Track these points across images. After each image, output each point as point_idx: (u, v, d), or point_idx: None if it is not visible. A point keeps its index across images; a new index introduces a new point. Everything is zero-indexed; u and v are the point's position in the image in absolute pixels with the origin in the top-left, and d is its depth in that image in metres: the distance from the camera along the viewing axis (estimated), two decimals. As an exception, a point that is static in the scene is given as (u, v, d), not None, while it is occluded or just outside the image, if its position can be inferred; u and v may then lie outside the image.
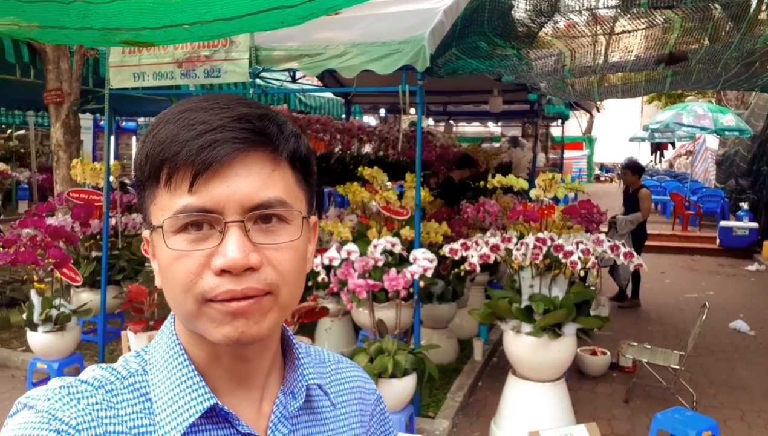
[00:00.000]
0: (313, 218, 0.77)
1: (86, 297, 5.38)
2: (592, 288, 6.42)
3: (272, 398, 0.75)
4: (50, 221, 5.21)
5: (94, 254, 5.56)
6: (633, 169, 7.52)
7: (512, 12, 4.10)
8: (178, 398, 0.67)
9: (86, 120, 12.10)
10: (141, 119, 15.87)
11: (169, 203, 0.65)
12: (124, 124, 16.20)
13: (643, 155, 27.60)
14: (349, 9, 4.78)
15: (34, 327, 4.56)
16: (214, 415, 0.68)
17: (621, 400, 4.75)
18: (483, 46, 4.32)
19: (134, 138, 18.46)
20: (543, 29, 4.00)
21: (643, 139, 17.85)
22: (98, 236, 5.44)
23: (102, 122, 13.24)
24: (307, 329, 5.19)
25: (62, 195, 5.79)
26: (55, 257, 4.55)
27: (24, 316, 4.59)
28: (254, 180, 0.65)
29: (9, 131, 18.12)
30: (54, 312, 4.57)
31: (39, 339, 4.56)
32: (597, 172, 29.10)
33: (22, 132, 17.55)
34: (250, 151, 0.65)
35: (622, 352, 5.02)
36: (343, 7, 3.17)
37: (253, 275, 0.64)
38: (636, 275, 7.28)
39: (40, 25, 3.28)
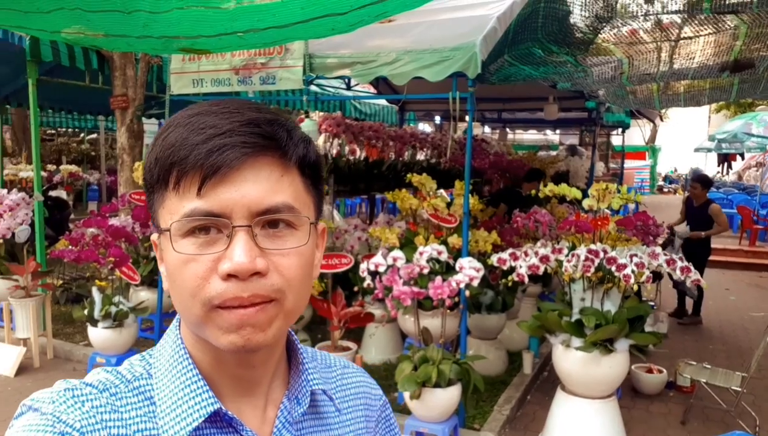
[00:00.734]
0: (321, 224, 0.76)
1: (144, 296, 5.58)
2: (650, 303, 6.22)
3: (277, 403, 0.75)
4: (112, 221, 5.42)
5: (152, 254, 5.76)
6: (704, 182, 7.16)
7: (568, 18, 4.02)
8: (182, 402, 0.67)
9: (151, 125, 12.56)
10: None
11: (178, 207, 0.65)
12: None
13: (710, 166, 26.46)
14: (404, 16, 4.81)
15: (94, 323, 4.75)
16: (218, 420, 0.68)
17: (677, 421, 4.54)
18: (537, 53, 4.25)
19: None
20: (600, 35, 3.89)
21: (709, 150, 17.12)
22: (157, 237, 5.62)
23: (166, 127, 13.70)
24: (355, 333, 5.22)
25: (125, 197, 6.02)
26: (116, 255, 4.74)
27: (86, 312, 4.78)
28: (263, 185, 0.65)
29: (82, 135, 19.06)
30: (113, 309, 4.75)
31: (99, 334, 4.75)
32: (660, 182, 28.08)
33: (93, 136, 18.42)
34: (259, 155, 0.65)
35: (679, 371, 4.80)
36: (394, 13, 3.19)
37: (260, 280, 0.64)
38: (699, 291, 6.95)
39: (105, 33, 3.43)
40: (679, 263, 3.49)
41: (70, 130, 17.79)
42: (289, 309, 0.68)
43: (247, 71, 4.93)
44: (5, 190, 6.29)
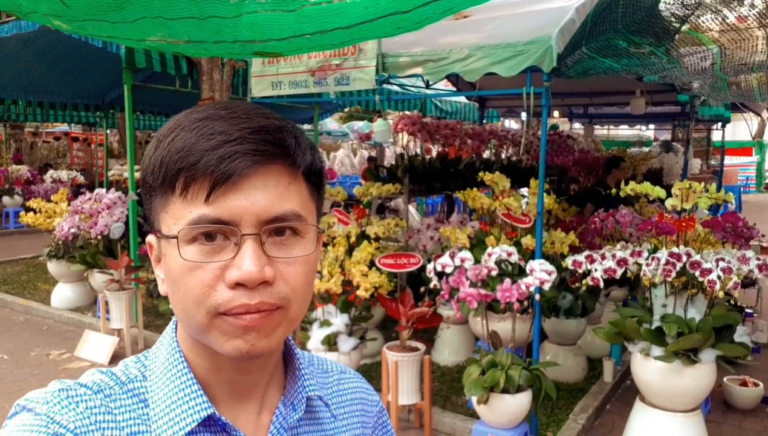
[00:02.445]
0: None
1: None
2: (748, 311, 5.76)
3: (272, 408, 0.74)
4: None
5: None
6: None
7: (656, 6, 3.78)
8: (175, 405, 0.68)
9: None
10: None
11: (183, 213, 0.64)
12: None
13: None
14: (480, 12, 4.72)
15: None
16: (211, 424, 0.68)
17: (775, 440, 4.19)
18: (619, 44, 4.03)
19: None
20: (686, 24, 3.64)
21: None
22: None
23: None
24: (428, 334, 5.18)
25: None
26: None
27: (170, 305, 5.03)
28: (272, 193, 0.65)
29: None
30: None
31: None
32: (768, 180, 25.99)
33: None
34: (269, 163, 0.65)
35: (778, 385, 4.42)
36: (460, 9, 3.12)
37: (267, 288, 0.64)
38: None
39: (188, 39, 3.60)
40: (773, 269, 3.20)
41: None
42: (292, 317, 0.68)
43: (323, 72, 5.01)
44: (104, 190, 6.74)
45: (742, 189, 18.43)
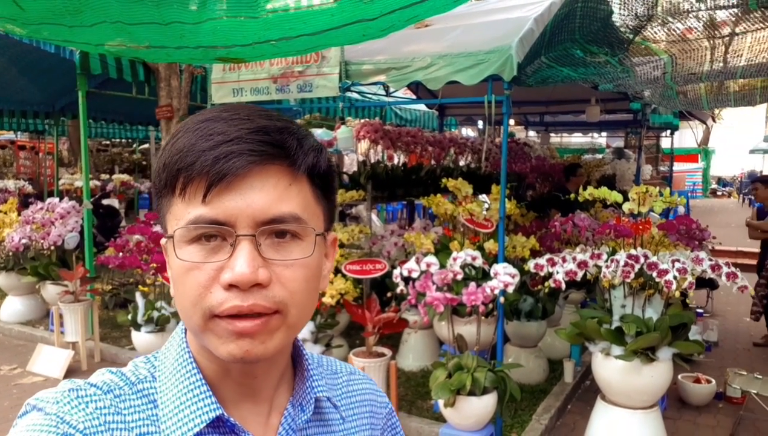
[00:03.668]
0: (332, 234, 0.75)
1: (186, 301, 5.69)
2: (699, 310, 5.99)
3: (281, 410, 0.74)
4: (156, 228, 5.57)
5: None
6: (764, 182, 6.50)
7: (609, 17, 3.92)
8: (184, 406, 0.67)
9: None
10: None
11: (183, 213, 0.64)
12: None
13: (766, 168, 25.38)
14: (440, 21, 4.79)
15: (137, 327, 4.88)
16: (220, 425, 0.68)
17: (726, 434, 4.34)
18: (576, 54, 4.16)
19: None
20: (640, 34, 3.78)
21: (766, 151, 16.42)
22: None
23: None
24: (391, 339, 5.19)
25: (169, 204, 6.17)
26: (158, 261, 4.86)
27: (129, 317, 4.92)
28: (269, 194, 0.64)
29: (134, 145, 19.71)
30: (155, 314, 4.87)
31: (142, 338, 4.87)
32: (713, 185, 27.09)
33: (145, 146, 19.02)
34: (267, 164, 0.64)
35: (729, 381, 4.60)
36: (424, 17, 3.17)
37: (261, 291, 0.63)
38: None
39: (148, 45, 3.54)
40: (725, 269, 3.34)
41: (123, 140, 18.43)
42: (291, 322, 0.66)
43: (285, 79, 4.99)
44: (57, 199, 6.54)
45: (689, 194, 19.15)
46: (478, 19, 4.80)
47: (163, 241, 0.70)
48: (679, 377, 4.75)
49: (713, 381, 4.83)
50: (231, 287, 0.62)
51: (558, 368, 5.22)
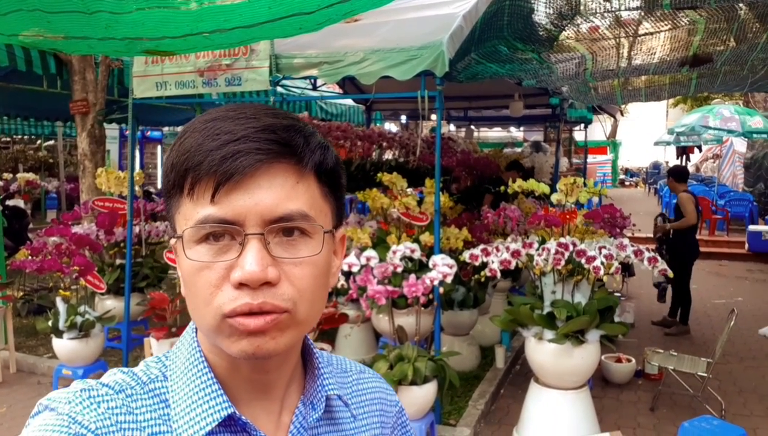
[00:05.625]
0: (341, 231, 0.75)
1: (110, 304, 5.45)
2: (617, 294, 6.34)
3: (292, 408, 0.74)
4: (75, 229, 5.29)
5: (118, 261, 5.64)
6: (676, 174, 6.74)
7: (532, 15, 4.08)
8: (196, 405, 0.67)
9: (113, 130, 12.33)
10: (166, 129, 16.12)
11: (192, 213, 0.64)
12: (149, 133, 16.44)
13: (669, 159, 27.19)
14: (370, 16, 4.81)
15: (59, 334, 4.62)
16: (232, 424, 0.68)
17: (647, 408, 4.66)
18: (503, 51, 4.30)
19: (159, 147, 18.73)
20: (564, 32, 3.96)
21: (668, 143, 17.54)
22: (122, 244, 5.51)
23: (128, 132, 13.46)
24: (328, 335, 5.19)
25: (87, 204, 5.88)
26: (80, 264, 4.62)
27: (50, 323, 4.66)
28: (277, 192, 0.64)
29: (39, 142, 18.55)
30: (79, 319, 4.63)
31: (64, 346, 4.63)
32: (622, 176, 28.72)
33: (51, 142, 17.95)
34: (274, 162, 0.64)
35: (647, 359, 4.92)
36: (361, 11, 3.18)
37: (270, 289, 0.63)
38: (686, 298, 6.52)
39: (65, 35, 3.34)
40: (647, 254, 3.57)
41: (26, 137, 17.31)
42: (301, 320, 0.67)
43: (212, 73, 4.86)
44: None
45: (600, 184, 20.18)
46: (408, 15, 4.85)
47: (172, 241, 0.70)
48: (603, 357, 5.03)
49: (633, 360, 5.14)
50: (241, 285, 0.62)
51: (489, 355, 5.40)
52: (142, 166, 15.55)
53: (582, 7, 3.73)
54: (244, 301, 0.62)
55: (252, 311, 0.63)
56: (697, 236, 6.75)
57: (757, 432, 4.24)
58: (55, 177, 16.07)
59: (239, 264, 0.62)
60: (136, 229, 5.60)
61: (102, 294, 5.35)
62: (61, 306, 4.64)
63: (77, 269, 4.61)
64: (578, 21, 3.94)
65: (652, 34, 4.05)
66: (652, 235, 7.00)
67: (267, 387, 0.72)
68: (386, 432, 0.85)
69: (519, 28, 3.95)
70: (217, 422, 0.66)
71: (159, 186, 18.09)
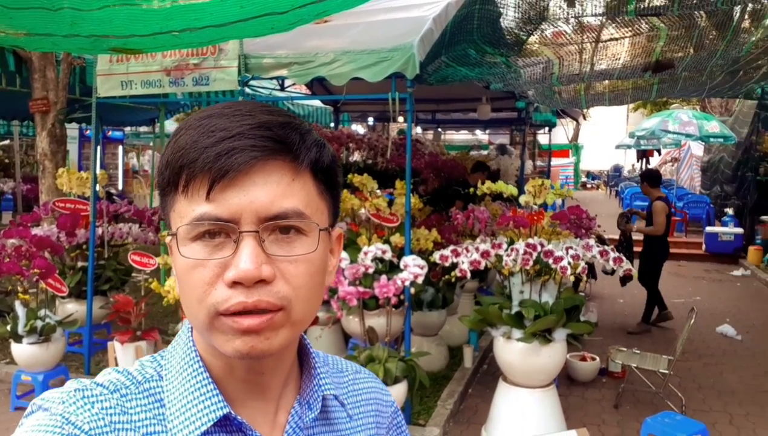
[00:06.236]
0: (338, 230, 0.75)
1: (72, 308, 5.32)
2: (581, 294, 6.47)
3: (288, 408, 0.74)
4: (35, 230, 5.15)
5: (80, 264, 5.50)
6: (648, 178, 6.71)
7: (501, 20, 4.14)
8: (191, 405, 0.67)
9: (72, 129, 12.01)
10: (128, 129, 15.81)
11: (187, 210, 0.64)
12: (110, 133, 16.09)
13: (629, 162, 27.88)
14: (340, 17, 4.80)
15: (18, 339, 4.49)
16: (227, 424, 0.67)
17: (611, 405, 4.77)
18: (472, 54, 4.35)
19: (120, 148, 18.35)
20: (531, 37, 4.03)
21: (629, 147, 18.00)
22: (84, 246, 5.39)
23: (88, 132, 13.12)
24: (297, 337, 5.16)
25: (48, 205, 5.72)
26: (41, 267, 4.50)
27: (8, 327, 4.52)
28: (272, 189, 0.64)
29: (-8, 141, 17.95)
30: (39, 323, 4.51)
31: (23, 351, 4.50)
32: (584, 179, 29.30)
33: (6, 142, 17.39)
34: (269, 159, 0.64)
35: (611, 357, 5.04)
36: (333, 12, 3.18)
37: (265, 287, 0.63)
38: (656, 298, 6.69)
39: (27, 32, 3.26)
40: (612, 254, 3.66)
41: (-21, 136, 16.75)
42: (296, 319, 0.66)
43: (179, 72, 4.79)
44: None
45: (566, 187, 20.55)
46: (378, 17, 4.87)
47: (167, 239, 0.69)
48: (567, 356, 5.12)
49: (597, 358, 5.26)
50: (235, 284, 0.62)
51: (457, 354, 5.45)
52: (102, 167, 15.20)
53: (548, 12, 3.80)
54: (238, 300, 0.62)
55: (246, 309, 0.62)
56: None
57: (716, 426, 4.39)
58: (10, 178, 15.57)
59: (234, 262, 0.62)
60: (99, 230, 5.48)
61: (63, 297, 5.22)
62: (20, 310, 4.51)
63: (38, 272, 4.48)
64: (545, 26, 4.01)
65: (616, 39, 4.16)
66: (617, 236, 7.18)
67: (263, 388, 0.72)
68: (381, 433, 0.85)
69: (488, 32, 4.00)
70: (212, 422, 0.66)
71: (120, 187, 17.72)
